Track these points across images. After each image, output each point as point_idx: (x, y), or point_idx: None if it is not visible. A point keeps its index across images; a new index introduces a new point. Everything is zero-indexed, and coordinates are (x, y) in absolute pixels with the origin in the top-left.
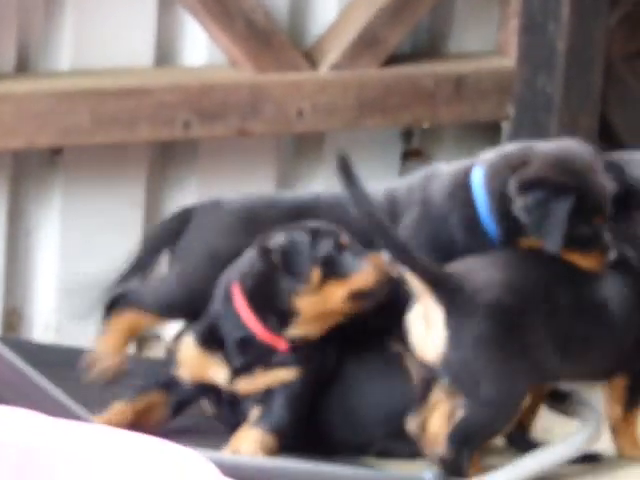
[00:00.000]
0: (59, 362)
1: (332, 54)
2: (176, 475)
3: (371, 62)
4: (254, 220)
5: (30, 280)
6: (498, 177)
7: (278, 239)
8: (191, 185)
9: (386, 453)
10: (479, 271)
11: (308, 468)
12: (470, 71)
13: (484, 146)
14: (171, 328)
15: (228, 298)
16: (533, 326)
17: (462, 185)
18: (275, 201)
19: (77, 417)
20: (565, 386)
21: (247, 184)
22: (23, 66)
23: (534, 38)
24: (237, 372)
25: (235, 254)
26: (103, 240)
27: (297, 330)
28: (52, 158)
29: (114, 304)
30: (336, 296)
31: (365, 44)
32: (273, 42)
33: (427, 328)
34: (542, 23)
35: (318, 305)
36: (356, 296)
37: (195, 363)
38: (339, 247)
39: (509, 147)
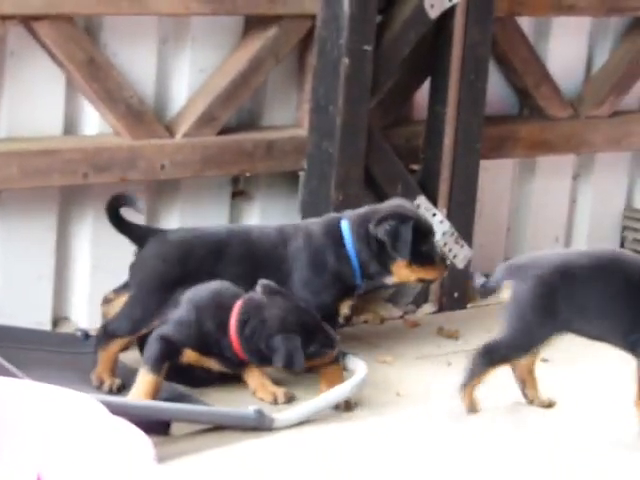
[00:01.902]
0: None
1: (184, 127)
2: (73, 412)
3: (210, 132)
4: (189, 250)
5: None
6: (361, 224)
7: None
8: (88, 216)
9: None
10: None
11: (154, 404)
12: (277, 138)
13: (286, 188)
14: (79, 309)
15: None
16: None
17: (335, 229)
18: (204, 233)
19: (12, 375)
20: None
21: (126, 216)
22: None
23: (320, 116)
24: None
25: (174, 278)
26: (26, 251)
27: None
28: None
29: (101, 337)
30: None
31: (206, 120)
32: (144, 119)
33: None
34: (325, 106)
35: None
36: None
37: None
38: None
39: (362, 209)
